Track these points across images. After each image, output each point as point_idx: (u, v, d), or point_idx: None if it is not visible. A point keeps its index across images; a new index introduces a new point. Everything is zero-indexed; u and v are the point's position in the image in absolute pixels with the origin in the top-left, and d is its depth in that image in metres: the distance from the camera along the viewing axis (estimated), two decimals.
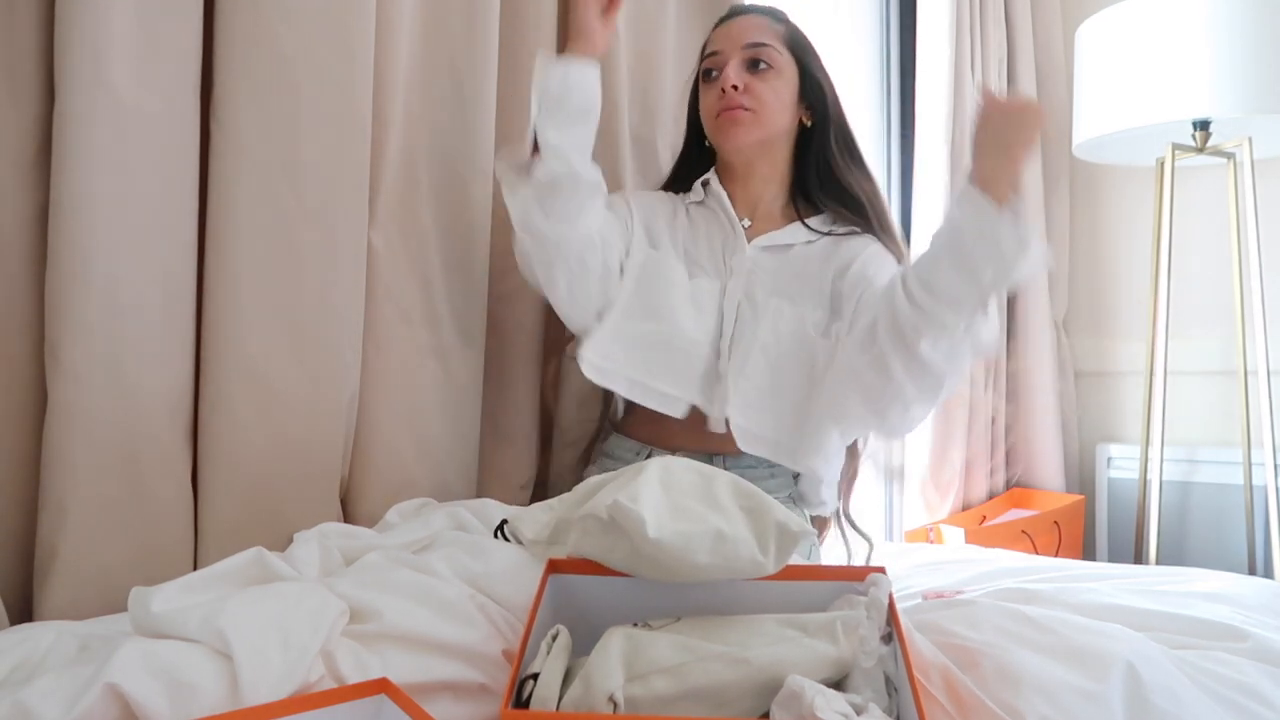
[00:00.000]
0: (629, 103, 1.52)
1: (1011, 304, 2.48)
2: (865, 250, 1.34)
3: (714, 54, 1.39)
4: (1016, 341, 2.48)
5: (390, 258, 1.23)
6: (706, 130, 1.41)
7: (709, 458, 1.30)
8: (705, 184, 1.43)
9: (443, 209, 1.31)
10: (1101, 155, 2.28)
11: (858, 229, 1.38)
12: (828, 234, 1.37)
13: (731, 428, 1.27)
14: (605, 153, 1.49)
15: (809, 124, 1.41)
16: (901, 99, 2.42)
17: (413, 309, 1.27)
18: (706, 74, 1.40)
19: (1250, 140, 2.05)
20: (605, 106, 1.48)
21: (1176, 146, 2.07)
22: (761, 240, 1.37)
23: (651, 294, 1.31)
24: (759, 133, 1.36)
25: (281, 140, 1.08)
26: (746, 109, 1.34)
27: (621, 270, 1.33)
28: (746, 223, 1.39)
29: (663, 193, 1.47)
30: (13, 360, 0.96)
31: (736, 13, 1.44)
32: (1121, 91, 2.02)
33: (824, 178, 1.41)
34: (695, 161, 1.47)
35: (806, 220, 1.39)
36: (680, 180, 1.48)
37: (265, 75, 1.06)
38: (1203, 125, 2.04)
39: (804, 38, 1.42)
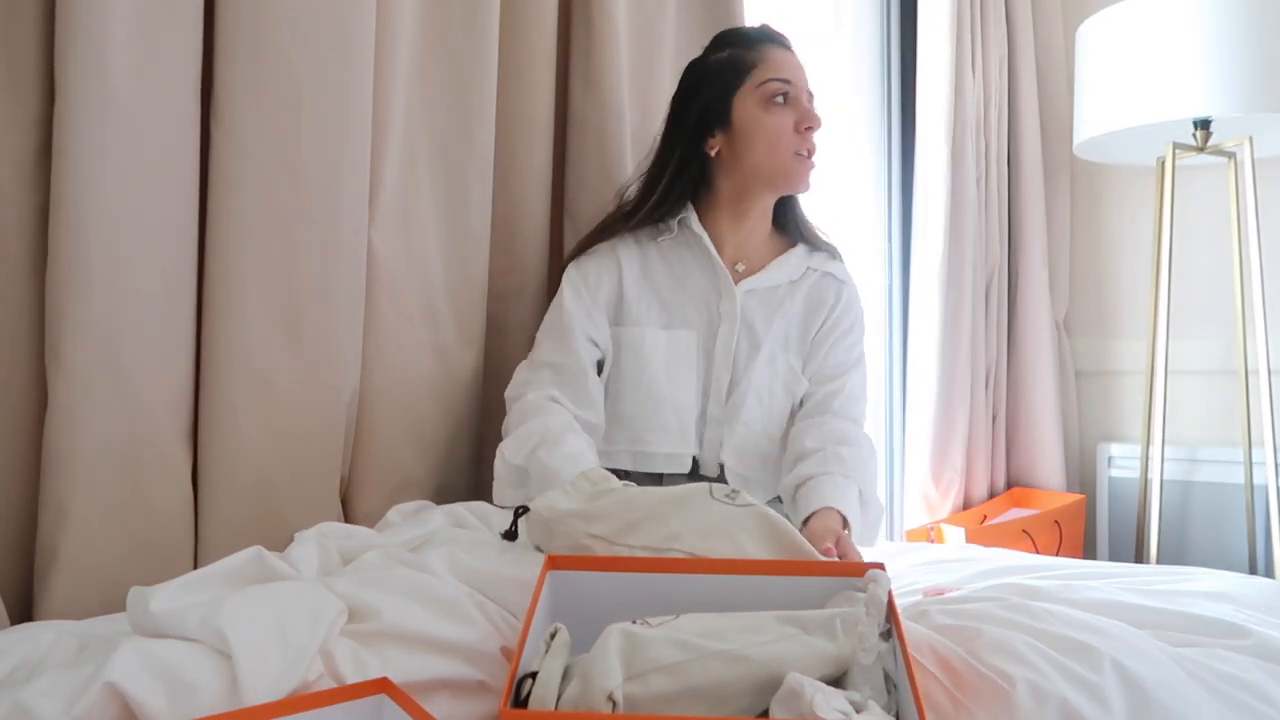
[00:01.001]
0: (629, 103, 1.52)
1: (1012, 304, 2.48)
2: (837, 320, 1.40)
3: (787, 80, 1.34)
4: (1016, 341, 2.48)
5: (389, 257, 1.23)
6: (768, 161, 1.33)
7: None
8: (681, 222, 1.38)
9: (443, 209, 1.31)
10: (1102, 154, 2.28)
11: (818, 249, 1.44)
12: (806, 270, 1.41)
13: (725, 471, 1.35)
14: (605, 154, 1.50)
15: None
16: (902, 99, 2.42)
17: (413, 308, 1.27)
18: (780, 95, 1.33)
19: (1251, 139, 2.05)
20: (606, 107, 1.49)
21: (1177, 146, 2.07)
22: (748, 284, 1.37)
23: (633, 372, 1.34)
24: None
25: (281, 140, 1.08)
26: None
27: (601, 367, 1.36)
28: (741, 266, 1.38)
29: (621, 243, 1.37)
30: (13, 360, 0.96)
31: (785, 43, 1.40)
32: (1122, 91, 2.02)
33: (790, 210, 1.44)
34: (687, 179, 1.37)
35: (786, 253, 1.41)
36: (665, 197, 1.36)
37: (265, 75, 1.06)
38: (1203, 124, 2.03)
39: None
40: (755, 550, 0.92)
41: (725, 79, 1.36)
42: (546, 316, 1.36)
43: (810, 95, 1.37)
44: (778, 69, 1.35)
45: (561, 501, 0.97)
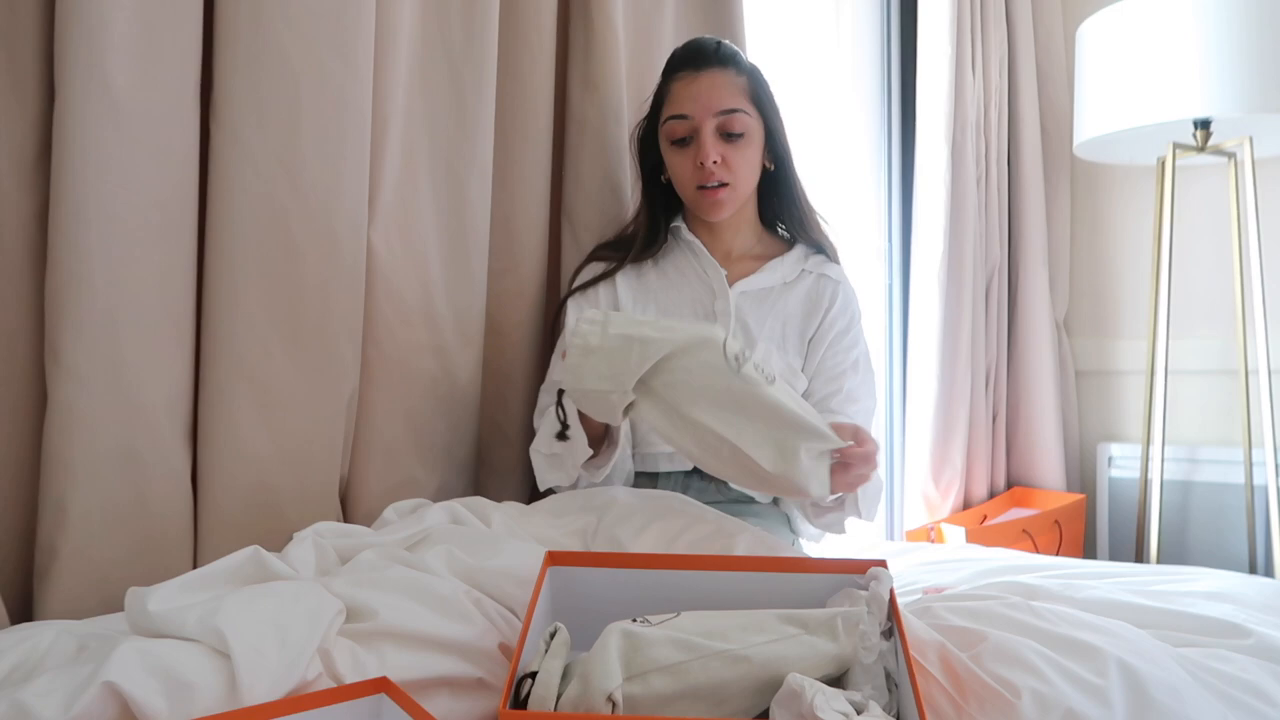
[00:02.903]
0: (628, 104, 1.52)
1: (1012, 304, 2.49)
2: (833, 322, 1.40)
3: (682, 118, 1.34)
4: (1016, 341, 2.48)
5: (388, 257, 1.23)
6: (682, 195, 1.39)
7: (705, 484, 1.34)
8: (673, 231, 1.42)
9: (442, 209, 1.31)
10: (1102, 155, 2.28)
11: (815, 251, 1.44)
12: (800, 273, 1.42)
13: None
14: (604, 155, 1.50)
15: (771, 168, 1.41)
16: (902, 99, 2.42)
17: (412, 309, 1.27)
18: (676, 139, 1.35)
19: (1251, 139, 2.05)
20: (604, 107, 1.49)
21: (1177, 146, 2.07)
22: (741, 285, 1.39)
23: None
24: (738, 202, 1.37)
25: (281, 140, 1.08)
26: (725, 184, 1.34)
27: None
28: (724, 272, 1.39)
29: (614, 261, 1.42)
30: (13, 360, 0.96)
31: (699, 63, 1.35)
32: (1122, 91, 2.02)
33: (786, 212, 1.45)
34: (659, 206, 1.44)
35: (781, 256, 1.42)
36: (651, 228, 1.42)
37: (265, 75, 1.06)
38: (1203, 124, 2.03)
39: (763, 83, 1.39)
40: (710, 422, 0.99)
41: (650, 117, 1.42)
42: (558, 343, 1.39)
43: (718, 114, 1.32)
44: (678, 104, 1.35)
45: (590, 381, 1.01)
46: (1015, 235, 2.47)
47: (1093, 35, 2.11)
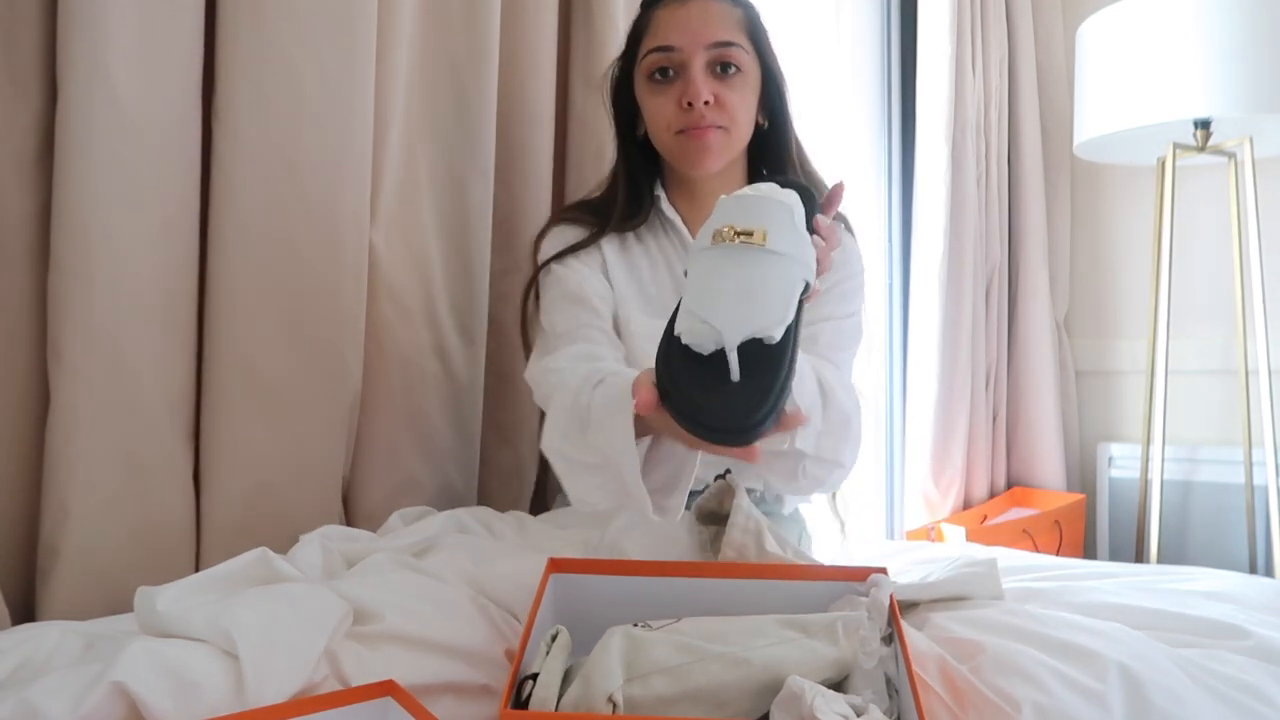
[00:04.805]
0: None
1: (1012, 304, 2.49)
2: (830, 300, 1.19)
3: (666, 49, 1.13)
4: (1016, 341, 2.49)
5: (390, 257, 1.23)
6: (659, 144, 1.19)
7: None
8: (653, 201, 1.25)
9: (443, 209, 1.31)
10: (1102, 155, 2.28)
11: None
12: None
13: None
14: (606, 154, 1.49)
15: (764, 125, 1.22)
16: (902, 99, 2.42)
17: (413, 308, 1.27)
18: (658, 71, 1.15)
19: (1251, 139, 2.05)
20: (598, 100, 1.49)
21: (1177, 146, 2.07)
22: None
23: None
24: (731, 153, 1.18)
25: (282, 140, 1.08)
26: (720, 127, 1.14)
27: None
28: None
29: (593, 226, 1.23)
30: (15, 360, 0.96)
31: None
32: (1122, 91, 2.02)
33: (778, 175, 1.24)
34: (638, 167, 1.25)
35: None
36: (634, 195, 1.24)
37: (267, 74, 1.06)
38: (1204, 124, 2.04)
39: (760, 22, 1.20)
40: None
41: (626, 55, 1.22)
42: (544, 303, 1.19)
43: (711, 46, 1.12)
44: (662, 34, 1.14)
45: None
46: (1015, 235, 2.47)
47: (1093, 35, 2.11)
